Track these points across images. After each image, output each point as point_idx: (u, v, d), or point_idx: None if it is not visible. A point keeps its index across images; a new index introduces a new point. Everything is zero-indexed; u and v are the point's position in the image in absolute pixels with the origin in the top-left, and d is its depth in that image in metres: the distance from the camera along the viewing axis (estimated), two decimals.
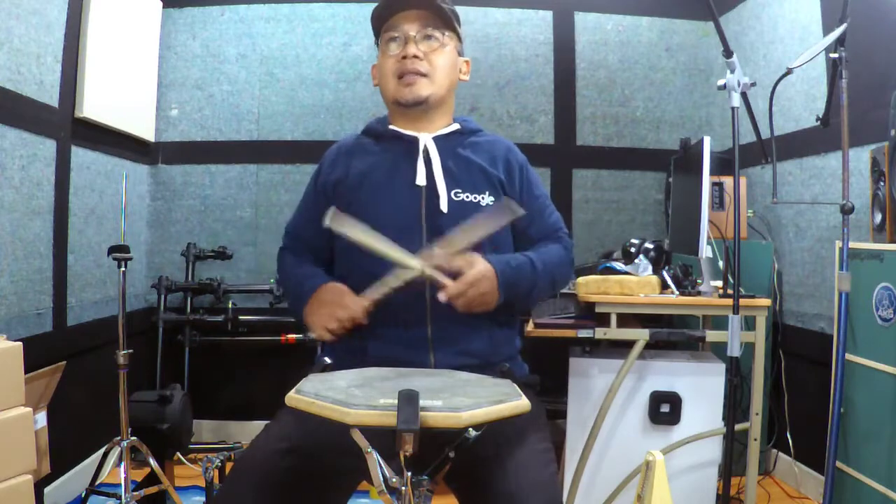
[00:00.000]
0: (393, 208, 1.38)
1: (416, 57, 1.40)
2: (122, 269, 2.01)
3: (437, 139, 1.44)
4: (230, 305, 3.08)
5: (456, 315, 1.32)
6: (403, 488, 0.95)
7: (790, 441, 2.70)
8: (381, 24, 1.46)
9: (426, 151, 1.42)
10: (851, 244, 1.92)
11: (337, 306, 1.30)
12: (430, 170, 1.40)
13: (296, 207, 1.55)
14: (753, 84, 1.66)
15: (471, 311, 1.28)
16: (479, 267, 1.27)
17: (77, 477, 2.46)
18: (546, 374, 1.53)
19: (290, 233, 1.54)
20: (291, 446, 1.19)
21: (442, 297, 1.24)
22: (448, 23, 1.45)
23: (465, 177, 1.41)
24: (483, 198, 1.40)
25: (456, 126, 1.48)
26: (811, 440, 2.51)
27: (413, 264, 1.25)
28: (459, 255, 1.27)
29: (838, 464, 2.01)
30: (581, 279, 2.11)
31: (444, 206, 1.37)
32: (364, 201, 1.39)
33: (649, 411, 2.17)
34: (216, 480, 1.92)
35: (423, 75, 1.41)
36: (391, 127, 1.46)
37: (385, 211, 1.37)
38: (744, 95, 1.67)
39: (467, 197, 1.39)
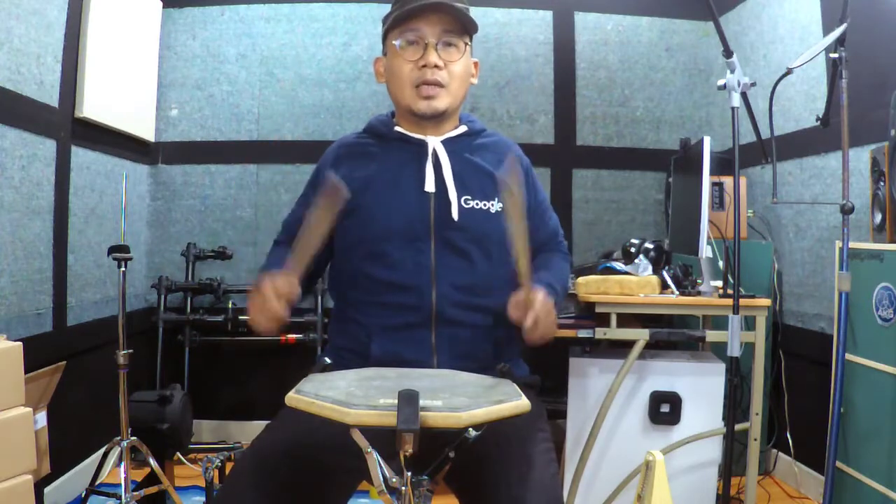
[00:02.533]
0: (401, 215, 1.34)
1: (436, 66, 1.35)
2: (122, 269, 2.01)
3: (445, 143, 1.40)
4: (230, 305, 3.08)
5: (460, 318, 1.32)
6: (403, 488, 0.95)
7: (790, 441, 2.70)
8: (395, 23, 1.37)
9: (435, 156, 1.38)
10: (851, 244, 1.92)
11: (262, 304, 1.17)
12: (439, 175, 1.36)
13: (294, 202, 1.51)
14: (753, 84, 1.66)
15: (547, 338, 1.25)
16: (540, 297, 1.21)
17: (77, 477, 2.46)
18: (546, 374, 1.53)
19: (286, 229, 1.50)
20: (292, 446, 1.19)
21: (530, 338, 1.22)
22: (468, 30, 1.39)
23: (474, 183, 1.38)
24: (493, 205, 1.37)
25: (463, 128, 1.45)
26: (811, 440, 2.51)
27: None
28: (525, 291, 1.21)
29: (838, 464, 2.01)
30: (581, 279, 2.11)
31: (455, 214, 1.34)
32: (369, 206, 1.34)
33: (649, 411, 2.17)
34: (216, 480, 1.92)
35: (442, 87, 1.36)
36: (397, 129, 1.41)
37: (392, 217, 1.33)
38: (744, 95, 1.67)
39: (477, 204, 1.36)
